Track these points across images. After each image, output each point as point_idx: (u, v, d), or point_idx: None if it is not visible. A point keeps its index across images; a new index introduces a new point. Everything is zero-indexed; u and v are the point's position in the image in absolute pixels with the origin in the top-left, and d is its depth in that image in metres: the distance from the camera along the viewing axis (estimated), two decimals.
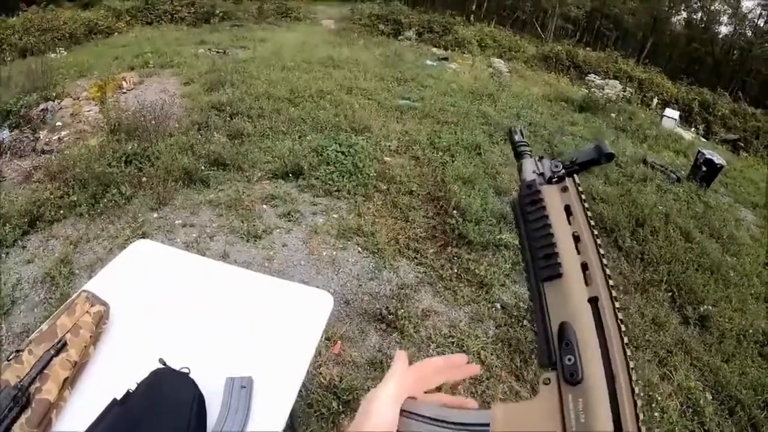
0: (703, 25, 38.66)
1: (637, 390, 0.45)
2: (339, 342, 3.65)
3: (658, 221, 6.55)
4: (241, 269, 2.31)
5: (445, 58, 18.40)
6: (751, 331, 4.90)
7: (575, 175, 0.68)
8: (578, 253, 0.60)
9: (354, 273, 4.53)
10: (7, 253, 4.45)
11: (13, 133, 7.17)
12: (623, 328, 0.52)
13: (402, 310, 4.00)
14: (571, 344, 0.52)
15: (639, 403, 0.45)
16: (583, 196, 0.66)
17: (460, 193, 5.94)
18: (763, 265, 6.47)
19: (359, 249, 4.90)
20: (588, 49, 26.82)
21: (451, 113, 9.72)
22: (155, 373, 1.53)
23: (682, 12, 40.17)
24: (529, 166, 0.73)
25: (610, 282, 0.56)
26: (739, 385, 4.14)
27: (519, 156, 0.77)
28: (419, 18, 25.53)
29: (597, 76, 15.97)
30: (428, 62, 16.79)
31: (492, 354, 3.74)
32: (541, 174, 0.70)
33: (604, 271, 0.57)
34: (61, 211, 5.00)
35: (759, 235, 7.69)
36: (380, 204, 5.80)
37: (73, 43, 17.38)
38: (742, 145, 17.33)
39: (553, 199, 0.67)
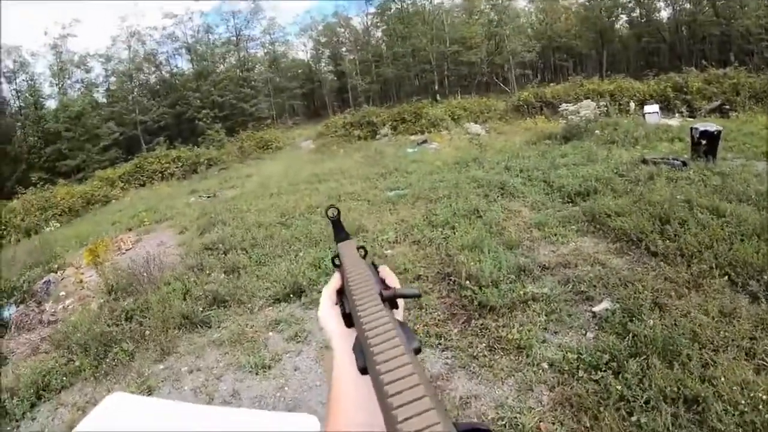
0: (644, 19, 39.51)
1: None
2: None
3: (682, 211, 6.08)
4: (219, 408, 2.21)
5: (424, 141, 18.70)
6: None
7: None
8: None
9: None
10: (18, 426, 4.34)
11: (19, 308, 7.27)
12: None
13: None
14: None
15: None
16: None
17: (469, 262, 5.55)
18: None
19: None
20: (552, 84, 27.21)
21: (441, 189, 9.59)
22: None
23: (622, 16, 41.24)
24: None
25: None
26: None
27: (339, 239, 0.90)
28: (390, 113, 26.35)
29: (569, 105, 15.94)
30: (409, 150, 17.03)
31: (554, 423, 3.19)
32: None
33: None
34: (66, 378, 4.92)
35: None
36: None
37: (72, 216, 18.28)
38: (728, 107, 17.15)
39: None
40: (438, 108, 26.24)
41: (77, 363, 5.12)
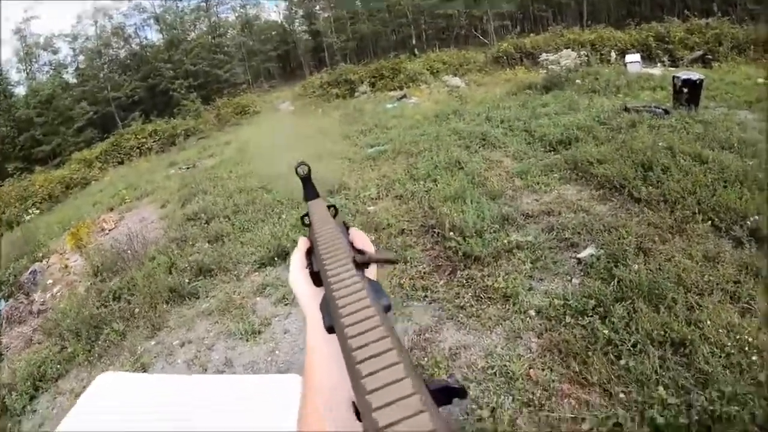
0: None
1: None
2: None
3: (665, 158, 6.05)
4: (206, 376, 2.18)
5: (403, 96, 18.42)
6: None
7: None
8: None
9: None
10: (20, 421, 4.34)
11: (8, 302, 7.16)
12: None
13: (427, 358, 3.49)
14: None
15: None
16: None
17: (452, 213, 5.49)
18: None
19: None
20: (532, 35, 26.84)
21: (422, 142, 9.45)
22: None
23: None
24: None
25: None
26: None
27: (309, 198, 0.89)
28: (367, 70, 25.88)
29: (549, 54, 15.72)
30: (388, 106, 16.77)
31: (544, 369, 3.19)
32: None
33: None
34: (61, 366, 4.90)
35: (766, 128, 7.17)
36: None
37: (53, 203, 17.88)
38: (710, 57, 17.07)
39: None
40: (416, 62, 25.81)
41: (70, 349, 5.10)
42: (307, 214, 0.83)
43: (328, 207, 0.84)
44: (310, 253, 0.75)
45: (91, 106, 37.55)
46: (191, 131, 24.18)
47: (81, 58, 42.54)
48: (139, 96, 40.01)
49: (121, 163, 22.00)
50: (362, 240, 0.74)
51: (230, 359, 4.28)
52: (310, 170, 0.87)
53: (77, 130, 35.50)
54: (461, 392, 0.42)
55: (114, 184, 16.10)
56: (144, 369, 4.50)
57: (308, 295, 0.70)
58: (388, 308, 0.49)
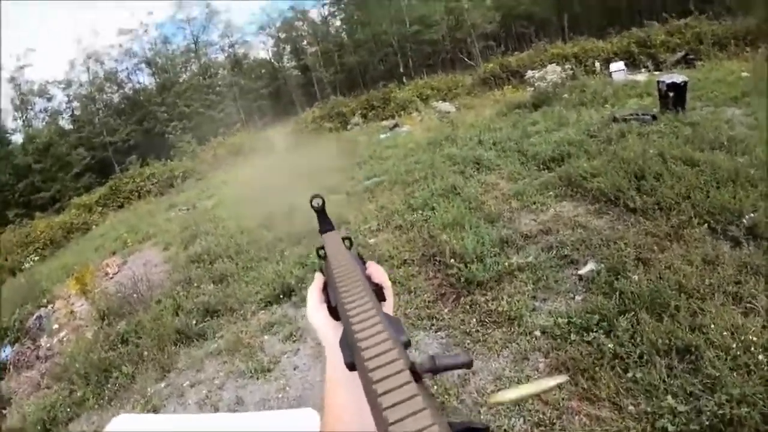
0: None
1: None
2: None
3: (656, 165, 6.13)
4: (221, 414, 2.21)
5: (395, 126, 18.65)
6: None
7: None
8: None
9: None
10: None
11: (14, 348, 7.28)
12: None
13: (436, 387, 3.51)
14: None
15: None
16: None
17: (452, 240, 5.55)
18: None
19: None
20: (517, 53, 27.23)
21: (417, 171, 9.56)
22: None
23: None
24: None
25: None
26: None
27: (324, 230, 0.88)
28: (358, 101, 26.33)
29: (535, 71, 15.96)
30: (381, 136, 17.00)
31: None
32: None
33: None
34: (71, 410, 4.94)
35: (754, 122, 7.30)
36: None
37: (55, 248, 18.02)
38: (693, 56, 17.28)
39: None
40: (405, 90, 26.19)
41: (80, 393, 5.13)
42: (322, 247, 0.84)
43: (343, 240, 0.84)
44: (326, 287, 0.76)
45: (88, 151, 38.22)
46: (189, 173, 24.44)
47: (75, 104, 43.51)
48: (135, 140, 40.67)
49: (121, 206, 22.29)
50: (379, 274, 0.75)
51: (241, 398, 4.32)
52: (324, 202, 0.88)
53: (75, 175, 36.14)
54: (485, 431, 0.44)
55: (115, 228, 16.28)
56: (155, 411, 4.53)
57: (327, 330, 0.70)
58: (407, 345, 0.49)
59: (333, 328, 0.69)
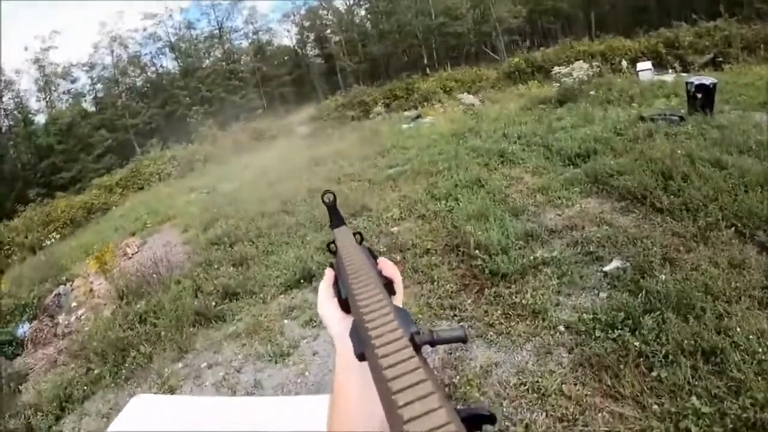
0: None
1: None
2: None
3: (683, 166, 6.08)
4: (239, 398, 2.24)
5: (418, 116, 18.57)
6: None
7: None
8: None
9: None
10: None
11: (32, 324, 7.38)
12: None
13: (459, 377, 3.54)
14: None
15: None
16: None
17: (476, 232, 5.55)
18: None
19: None
20: (542, 48, 26.99)
21: (440, 161, 9.54)
22: None
23: None
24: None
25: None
26: None
27: (335, 225, 0.90)
28: (381, 91, 26.27)
29: (561, 67, 15.81)
30: (404, 126, 16.94)
31: (576, 384, 3.23)
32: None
33: None
34: (88, 387, 4.98)
35: None
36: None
37: (75, 228, 18.32)
38: (721, 59, 17.01)
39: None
40: (429, 82, 26.08)
41: (96, 371, 5.17)
42: (333, 242, 0.86)
43: (354, 234, 0.86)
44: (336, 282, 0.78)
45: (109, 133, 38.49)
46: (209, 157, 24.58)
47: (99, 86, 43.70)
48: (157, 123, 40.97)
49: (141, 188, 22.50)
50: (390, 269, 0.77)
51: (259, 381, 4.34)
52: (335, 198, 0.89)
53: (97, 156, 36.46)
54: (491, 418, 0.46)
55: (135, 209, 16.48)
56: (171, 391, 4.57)
57: (337, 322, 0.71)
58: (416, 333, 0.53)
59: (342, 319, 0.71)
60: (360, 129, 18.84)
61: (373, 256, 0.82)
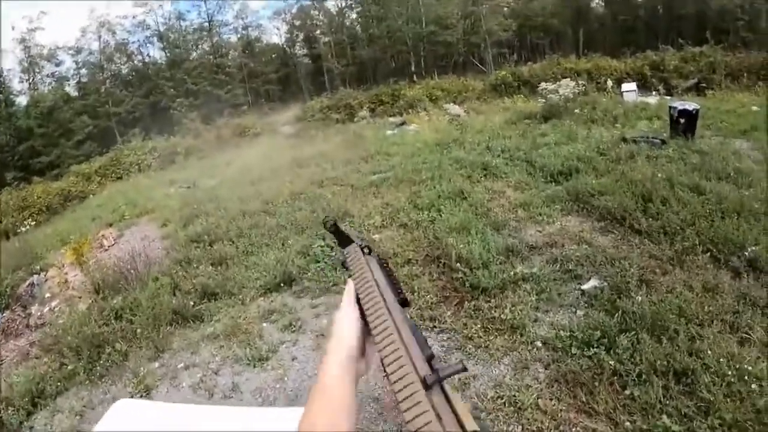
0: None
1: None
2: None
3: (663, 189, 6.22)
4: (220, 407, 2.24)
5: (403, 123, 18.64)
6: None
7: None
8: None
9: (376, 365, 4.13)
10: None
11: (4, 314, 7.15)
12: None
13: None
14: None
15: None
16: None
17: (458, 244, 5.61)
18: None
19: None
20: (530, 63, 27.32)
21: (424, 171, 9.60)
22: None
23: None
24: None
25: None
26: None
27: (343, 245, 0.96)
28: (367, 95, 26.31)
29: (548, 83, 16.02)
30: (388, 132, 16.99)
31: (551, 399, 3.30)
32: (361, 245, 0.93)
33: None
34: (61, 383, 4.84)
35: (761, 157, 7.41)
36: None
37: (51, 214, 17.94)
38: (705, 85, 17.37)
39: (364, 257, 0.87)
40: (415, 89, 26.20)
41: (70, 367, 5.03)
42: (344, 262, 0.90)
43: (362, 249, 0.91)
44: (359, 300, 0.79)
45: (91, 119, 37.67)
46: (191, 150, 24.34)
47: (83, 71, 42.81)
48: (140, 112, 40.32)
49: (120, 178, 22.16)
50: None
51: (237, 384, 4.30)
52: (335, 222, 0.93)
53: (77, 142, 35.57)
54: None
55: (113, 199, 16.22)
56: (147, 391, 4.50)
57: (356, 343, 0.78)
58: (431, 357, 0.60)
59: (360, 340, 0.78)
60: (344, 132, 18.85)
61: (384, 263, 0.88)
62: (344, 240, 0.95)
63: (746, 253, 4.60)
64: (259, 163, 15.58)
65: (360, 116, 22.52)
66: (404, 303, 0.79)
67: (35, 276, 8.35)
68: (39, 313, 7.07)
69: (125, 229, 10.94)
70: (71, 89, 42.39)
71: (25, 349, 6.03)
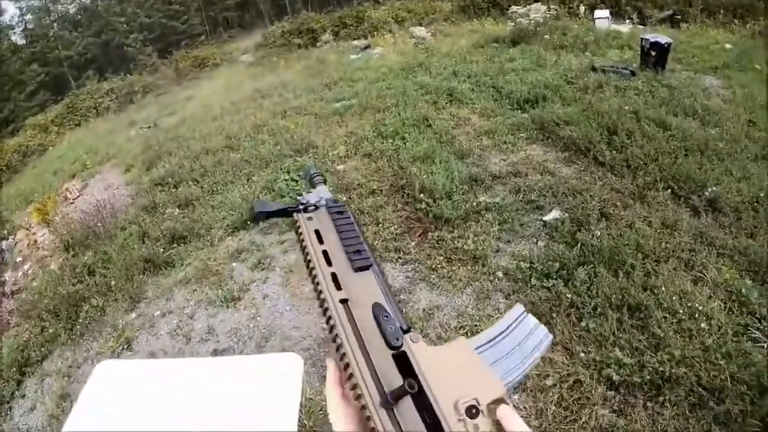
0: None
1: None
2: None
3: (629, 122, 6.21)
4: (203, 359, 2.16)
5: (367, 47, 18.04)
6: (762, 194, 4.58)
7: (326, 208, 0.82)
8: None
9: None
10: (10, 408, 4.36)
11: None
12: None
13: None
14: None
15: None
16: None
17: (422, 174, 5.56)
18: (747, 123, 6.18)
19: None
20: None
21: (388, 97, 9.35)
22: None
23: None
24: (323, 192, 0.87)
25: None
26: None
27: (313, 185, 0.90)
28: (330, 18, 25.24)
29: (518, 6, 15.58)
30: (352, 57, 16.46)
31: None
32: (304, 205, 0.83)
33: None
34: (45, 348, 4.89)
35: (730, 96, 7.41)
36: None
37: (11, 173, 17.25)
38: (680, 17, 17.15)
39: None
40: (380, 10, 25.23)
41: (51, 330, 5.05)
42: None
43: (315, 176, 0.89)
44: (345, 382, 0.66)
45: (42, 67, 35.43)
46: (149, 87, 23.34)
47: (29, 17, 39.92)
48: (93, 53, 38.21)
49: (78, 125, 21.13)
50: None
51: (212, 327, 4.35)
52: (260, 211, 0.85)
53: (29, 94, 33.53)
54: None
55: (73, 148, 15.57)
56: (128, 343, 4.53)
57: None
58: (402, 336, 0.60)
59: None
60: (307, 58, 18.16)
61: (339, 210, 0.81)
62: (282, 213, 0.85)
63: (707, 193, 4.67)
64: (220, 96, 15.02)
65: (323, 40, 21.65)
66: (364, 267, 0.71)
67: (4, 242, 8.22)
68: (13, 279, 6.98)
69: (89, 179, 10.58)
70: (18, 38, 39.57)
71: (5, 319, 5.99)
